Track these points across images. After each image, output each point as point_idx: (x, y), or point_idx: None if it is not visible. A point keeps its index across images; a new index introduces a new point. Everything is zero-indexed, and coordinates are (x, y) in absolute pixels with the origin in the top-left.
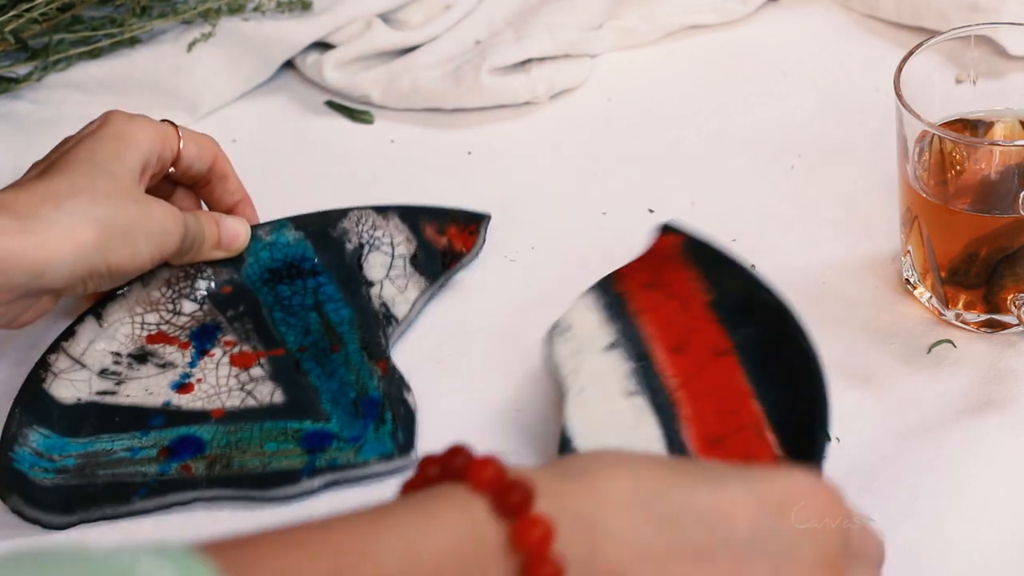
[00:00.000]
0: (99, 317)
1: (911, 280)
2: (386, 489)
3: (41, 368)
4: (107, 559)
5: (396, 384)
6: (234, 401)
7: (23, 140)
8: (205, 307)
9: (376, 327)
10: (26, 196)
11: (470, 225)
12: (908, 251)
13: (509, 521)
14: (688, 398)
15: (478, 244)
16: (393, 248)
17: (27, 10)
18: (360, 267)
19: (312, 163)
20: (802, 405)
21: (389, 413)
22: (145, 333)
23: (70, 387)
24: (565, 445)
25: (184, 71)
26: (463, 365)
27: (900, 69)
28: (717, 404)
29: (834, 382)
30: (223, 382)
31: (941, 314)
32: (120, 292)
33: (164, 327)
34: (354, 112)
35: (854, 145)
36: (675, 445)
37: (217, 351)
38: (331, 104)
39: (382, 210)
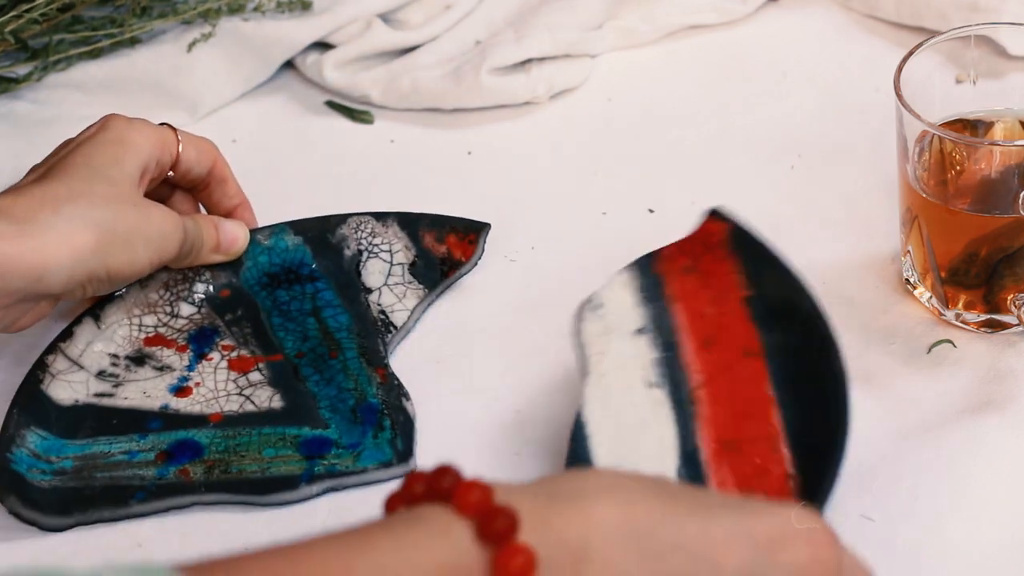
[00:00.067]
0: (97, 319)
1: (911, 280)
2: (384, 494)
3: (39, 369)
4: None
5: (395, 392)
6: (233, 406)
7: (23, 140)
8: (203, 310)
9: (374, 334)
10: (24, 201)
11: (469, 234)
12: (908, 251)
13: (492, 548)
14: (709, 397)
15: (477, 253)
16: (392, 255)
17: (27, 10)
18: (359, 274)
19: (312, 163)
20: (822, 430)
21: (388, 420)
22: (143, 335)
23: (68, 388)
24: (579, 429)
25: (184, 71)
26: (463, 365)
27: (900, 69)
28: (737, 407)
29: None
30: (221, 386)
31: (941, 314)
32: (118, 294)
33: (162, 330)
34: (354, 112)
35: (854, 145)
36: (688, 444)
37: (215, 355)
38: (331, 104)
39: (381, 217)
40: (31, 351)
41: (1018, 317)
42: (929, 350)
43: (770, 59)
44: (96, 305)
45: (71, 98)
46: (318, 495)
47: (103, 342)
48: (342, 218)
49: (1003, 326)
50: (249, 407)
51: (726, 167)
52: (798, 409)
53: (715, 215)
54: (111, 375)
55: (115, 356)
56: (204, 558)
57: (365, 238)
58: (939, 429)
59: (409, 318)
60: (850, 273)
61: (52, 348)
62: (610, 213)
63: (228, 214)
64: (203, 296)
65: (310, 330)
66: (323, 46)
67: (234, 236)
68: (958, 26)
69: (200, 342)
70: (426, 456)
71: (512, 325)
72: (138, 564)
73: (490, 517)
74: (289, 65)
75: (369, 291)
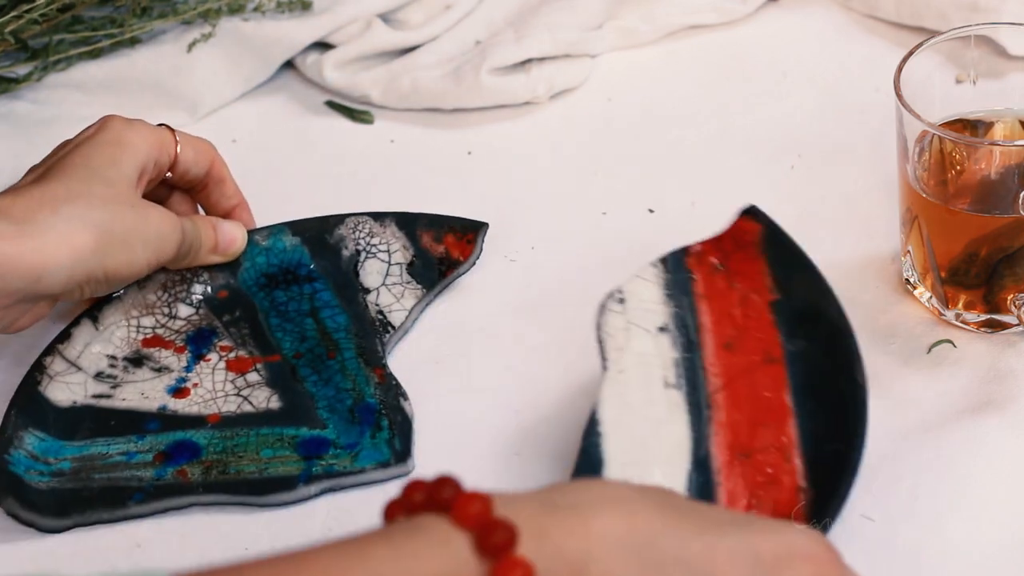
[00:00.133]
0: (95, 320)
1: (911, 280)
2: (383, 495)
3: (37, 370)
4: None
5: (393, 392)
6: (230, 407)
7: (23, 140)
8: (201, 311)
9: (372, 334)
10: (23, 201)
11: (468, 234)
12: (908, 251)
13: (490, 561)
14: (726, 402)
15: (475, 253)
16: (390, 255)
17: (27, 10)
18: (356, 274)
19: (312, 163)
20: (837, 446)
21: (386, 420)
22: (141, 336)
23: (65, 390)
24: (592, 427)
25: (184, 71)
26: (462, 365)
27: (900, 69)
28: (754, 415)
29: None
30: (219, 387)
31: (941, 314)
32: (116, 295)
33: (160, 331)
34: (354, 112)
35: (854, 145)
36: (700, 449)
37: (213, 356)
38: (331, 104)
39: (379, 217)
40: (30, 352)
41: (1018, 317)
42: (929, 350)
43: (770, 59)
44: (94, 307)
45: (71, 98)
46: (316, 495)
47: (101, 343)
48: (340, 218)
49: (1003, 326)
50: (247, 408)
51: (726, 167)
52: (814, 421)
53: (749, 214)
54: (109, 376)
55: (113, 357)
56: (202, 567)
57: (363, 238)
58: (939, 429)
59: (407, 318)
60: (850, 273)
61: (50, 350)
62: (610, 213)
63: (226, 215)
64: (201, 297)
65: (308, 330)
66: (323, 46)
67: (232, 237)
68: (958, 26)
69: (198, 343)
70: (424, 456)
71: (511, 325)
72: (137, 571)
73: (489, 530)
74: (289, 65)
75: (367, 291)
